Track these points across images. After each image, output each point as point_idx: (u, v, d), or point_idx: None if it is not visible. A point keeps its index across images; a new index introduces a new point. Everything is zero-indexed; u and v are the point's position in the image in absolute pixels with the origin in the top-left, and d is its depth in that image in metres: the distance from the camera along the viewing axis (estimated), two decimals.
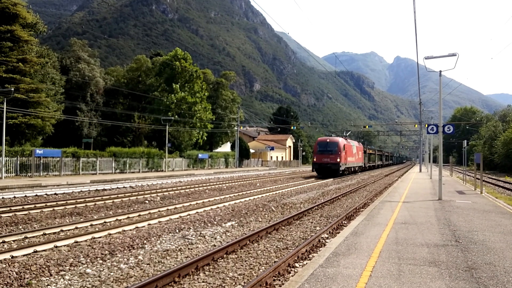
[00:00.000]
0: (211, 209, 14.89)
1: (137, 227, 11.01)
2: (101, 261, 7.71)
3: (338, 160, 36.38)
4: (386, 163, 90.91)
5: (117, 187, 23.61)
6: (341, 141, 38.21)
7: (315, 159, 37.65)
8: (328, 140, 38.18)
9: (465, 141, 32.93)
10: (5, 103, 26.79)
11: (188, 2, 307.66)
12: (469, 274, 6.16)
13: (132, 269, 7.32)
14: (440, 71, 16.99)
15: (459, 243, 8.32)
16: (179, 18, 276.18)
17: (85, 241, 9.23)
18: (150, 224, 11.51)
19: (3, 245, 8.86)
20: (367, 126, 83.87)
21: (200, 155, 50.07)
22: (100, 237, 9.69)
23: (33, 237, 9.72)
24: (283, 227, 11.61)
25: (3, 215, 12.57)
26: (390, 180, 36.16)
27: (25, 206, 14.43)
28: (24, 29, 35.26)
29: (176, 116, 47.79)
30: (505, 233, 9.58)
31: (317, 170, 37.68)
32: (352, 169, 43.95)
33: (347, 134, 51.50)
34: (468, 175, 37.92)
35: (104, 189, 22.25)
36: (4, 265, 7.18)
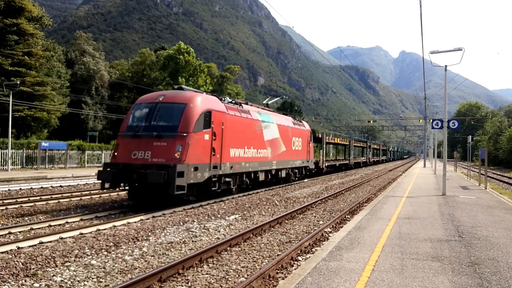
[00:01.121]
0: (215, 202, 14.94)
1: (142, 220, 11.09)
2: (106, 253, 7.78)
3: (178, 155, 12.65)
4: (375, 160, 67.93)
5: None
6: (200, 101, 14.05)
7: (116, 153, 13.70)
8: (161, 99, 13.99)
9: (470, 136, 32.71)
10: (11, 96, 26.94)
11: None
12: (472, 269, 6.18)
13: (137, 260, 7.38)
14: (446, 66, 16.93)
15: (463, 239, 8.33)
16: (184, 11, 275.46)
17: (90, 232, 9.31)
18: (154, 217, 11.58)
19: (9, 236, 8.95)
20: (371, 121, 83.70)
21: None
22: (105, 229, 9.77)
23: (39, 228, 9.81)
24: (286, 221, 11.65)
25: (9, 206, 12.68)
26: (394, 175, 36.10)
27: (31, 198, 14.56)
28: (30, 22, 35.36)
29: None
30: (509, 229, 9.58)
31: (117, 183, 13.24)
32: (257, 176, 18.88)
33: (268, 102, 27.41)
34: (473, 171, 37.83)
35: None
36: (10, 256, 7.26)
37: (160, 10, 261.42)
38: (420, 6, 15.59)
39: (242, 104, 18.11)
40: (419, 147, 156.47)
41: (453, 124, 17.71)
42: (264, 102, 27.53)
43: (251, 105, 19.91)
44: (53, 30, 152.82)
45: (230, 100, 16.97)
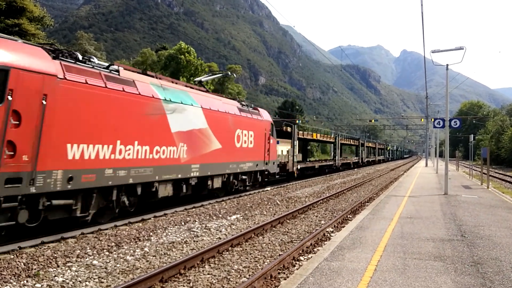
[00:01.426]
0: (216, 202, 14.93)
1: (143, 219, 11.08)
2: (107, 253, 7.77)
3: None
4: (370, 160, 59.15)
5: None
6: None
7: None
8: None
9: (472, 135, 32.64)
10: None
11: None
12: (475, 269, 6.15)
13: (138, 261, 7.38)
14: (447, 65, 16.88)
15: (465, 238, 8.30)
16: (185, 11, 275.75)
17: (92, 233, 9.30)
18: (156, 217, 11.56)
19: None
20: (373, 120, 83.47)
21: None
22: (106, 229, 9.76)
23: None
24: (288, 221, 11.63)
25: None
26: (396, 174, 36.06)
27: None
28: (31, 22, 35.36)
29: None
30: None
31: None
32: (155, 191, 11.67)
33: (202, 79, 19.56)
34: (475, 170, 37.74)
35: None
36: (12, 256, 7.26)
37: (161, 10, 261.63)
38: (422, 5, 15.55)
39: (121, 70, 10.71)
40: (421, 146, 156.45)
41: (455, 123, 17.67)
42: (197, 79, 19.47)
43: (156, 77, 12.61)
44: (55, 30, 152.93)
45: (96, 61, 10.14)
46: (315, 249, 8.31)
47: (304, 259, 7.64)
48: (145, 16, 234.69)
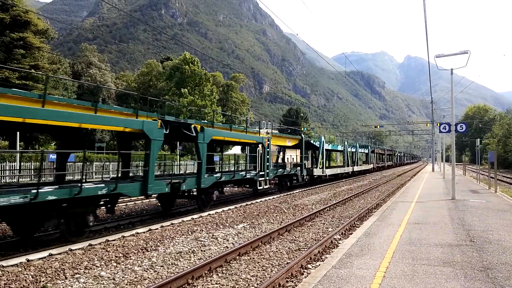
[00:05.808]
0: (223, 211, 14.91)
1: (150, 230, 11.08)
2: (115, 264, 7.77)
3: None
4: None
5: None
6: None
7: None
8: None
9: (478, 139, 32.43)
10: None
11: (197, 6, 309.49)
12: (485, 274, 6.09)
13: (146, 271, 7.37)
14: (452, 69, 16.83)
15: (474, 243, 8.22)
16: (188, 22, 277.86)
17: (99, 244, 9.31)
18: (163, 227, 11.56)
19: (18, 249, 8.97)
20: (378, 126, 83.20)
21: None
22: (114, 239, 9.76)
23: (48, 240, 9.82)
24: (295, 229, 11.59)
25: None
26: (403, 179, 35.87)
27: None
28: (36, 36, 35.74)
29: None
30: None
31: None
32: None
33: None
34: (482, 174, 37.43)
35: None
36: (20, 269, 7.28)
37: (165, 21, 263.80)
38: (424, 10, 15.59)
39: None
40: (427, 152, 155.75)
41: (461, 128, 17.60)
42: None
43: None
44: (59, 43, 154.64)
45: None
46: (323, 257, 8.27)
47: (312, 267, 7.60)
48: (149, 28, 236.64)
